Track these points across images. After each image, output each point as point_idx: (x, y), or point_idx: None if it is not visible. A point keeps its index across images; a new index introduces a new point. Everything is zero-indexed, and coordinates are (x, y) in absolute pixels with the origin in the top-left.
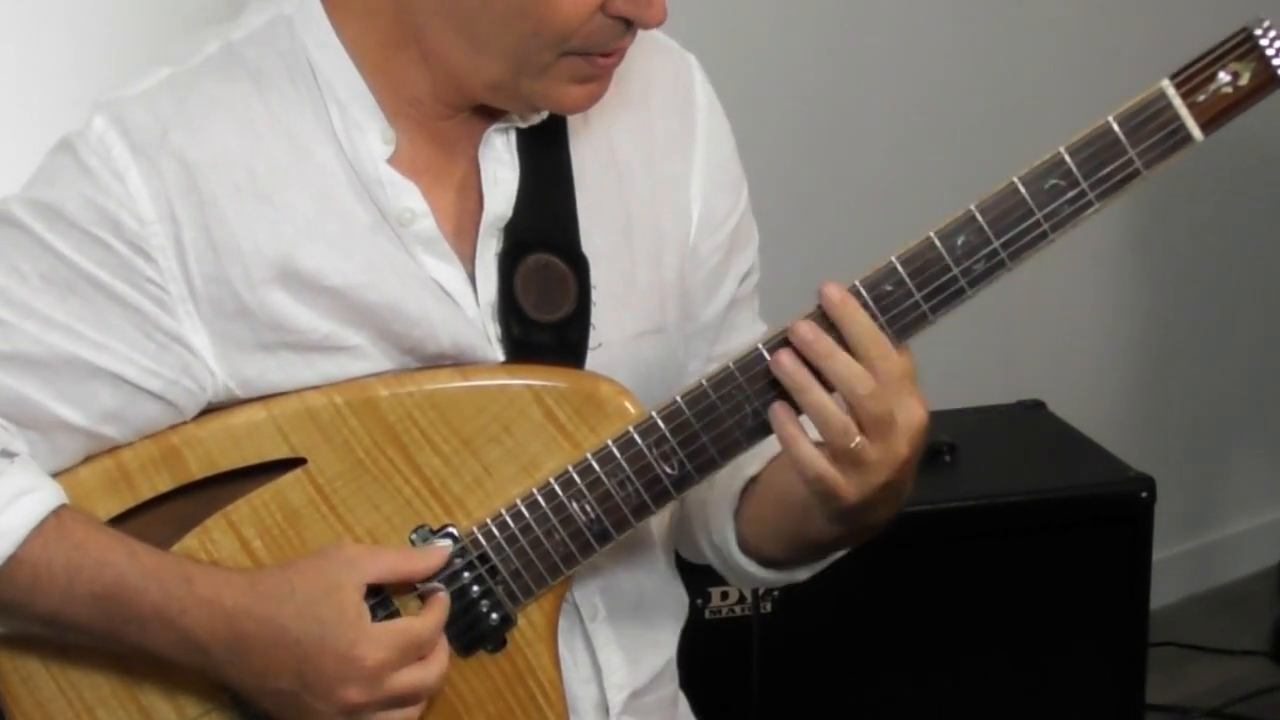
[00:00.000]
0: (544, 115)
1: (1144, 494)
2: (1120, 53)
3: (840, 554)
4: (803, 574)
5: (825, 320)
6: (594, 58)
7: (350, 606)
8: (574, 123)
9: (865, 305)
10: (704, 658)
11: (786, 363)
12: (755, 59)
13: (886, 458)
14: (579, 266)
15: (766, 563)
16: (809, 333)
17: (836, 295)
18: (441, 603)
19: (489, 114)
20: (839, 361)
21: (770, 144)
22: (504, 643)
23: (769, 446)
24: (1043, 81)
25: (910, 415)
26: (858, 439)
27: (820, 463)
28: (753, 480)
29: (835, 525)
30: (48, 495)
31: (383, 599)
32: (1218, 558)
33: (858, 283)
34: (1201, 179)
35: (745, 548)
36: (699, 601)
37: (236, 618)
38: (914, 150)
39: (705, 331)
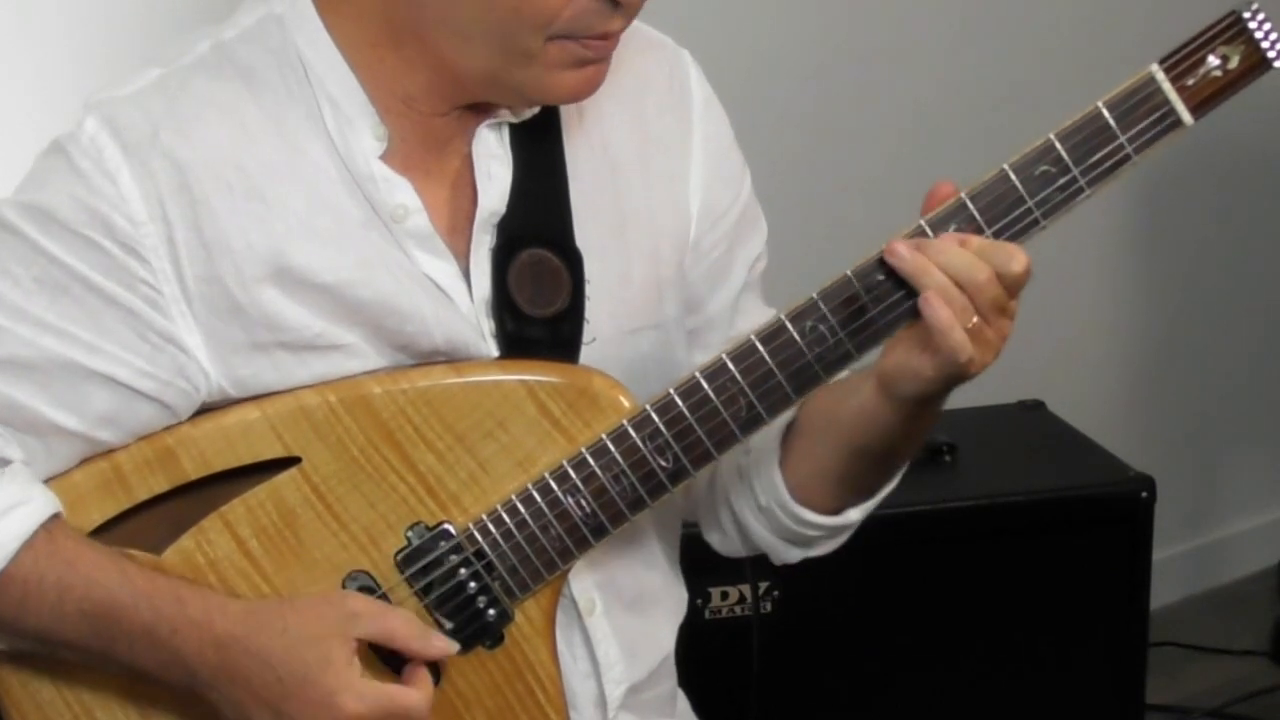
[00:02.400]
0: (536, 110)
1: (1144, 494)
2: (1116, 40)
3: (889, 488)
4: (855, 514)
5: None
6: (584, 40)
7: (339, 655)
8: (568, 118)
9: (858, 296)
10: (704, 657)
11: (903, 251)
12: (753, 55)
13: (999, 336)
14: (573, 261)
15: (820, 509)
16: (914, 240)
17: (907, 250)
18: (426, 680)
19: (482, 109)
20: (951, 256)
21: (768, 138)
22: (501, 638)
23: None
24: (1040, 71)
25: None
26: (975, 318)
27: (969, 345)
28: (790, 426)
29: (915, 420)
30: (38, 507)
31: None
32: (1218, 558)
33: (850, 273)
34: (1202, 180)
35: (797, 496)
36: (699, 601)
37: (225, 645)
38: (911, 141)
39: (715, 323)
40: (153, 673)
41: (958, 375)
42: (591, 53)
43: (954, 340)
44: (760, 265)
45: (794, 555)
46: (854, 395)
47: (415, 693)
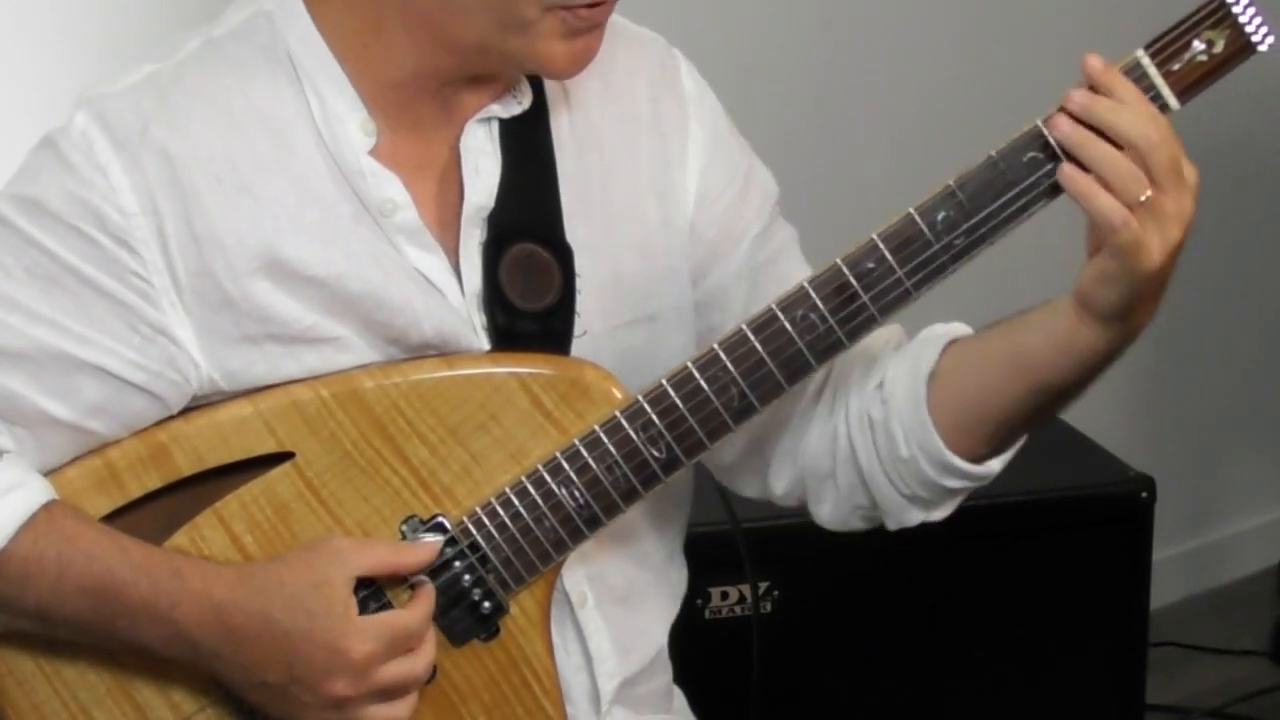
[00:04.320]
0: (526, 105)
1: (1144, 494)
2: (1113, 36)
3: (1022, 441)
4: (996, 465)
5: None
6: (578, 9)
7: (338, 600)
8: (557, 113)
9: (848, 284)
10: (704, 657)
11: (1065, 125)
12: (750, 54)
13: (1180, 209)
14: (563, 255)
15: (966, 457)
16: (1084, 97)
17: (1100, 64)
18: (428, 594)
19: (473, 91)
20: (1125, 114)
21: (764, 134)
22: (496, 631)
23: (935, 339)
24: (1036, 65)
25: (1191, 170)
26: (1148, 190)
27: (1122, 211)
28: (933, 375)
29: (1105, 335)
30: (37, 490)
31: (374, 591)
32: (1218, 558)
33: (840, 261)
34: (1201, 179)
35: (949, 442)
36: (699, 601)
37: (226, 611)
38: (905, 134)
39: (737, 282)
40: (154, 647)
41: (1133, 253)
42: (583, 22)
43: (1100, 204)
44: (778, 239)
45: (914, 518)
46: (1043, 330)
47: (408, 613)
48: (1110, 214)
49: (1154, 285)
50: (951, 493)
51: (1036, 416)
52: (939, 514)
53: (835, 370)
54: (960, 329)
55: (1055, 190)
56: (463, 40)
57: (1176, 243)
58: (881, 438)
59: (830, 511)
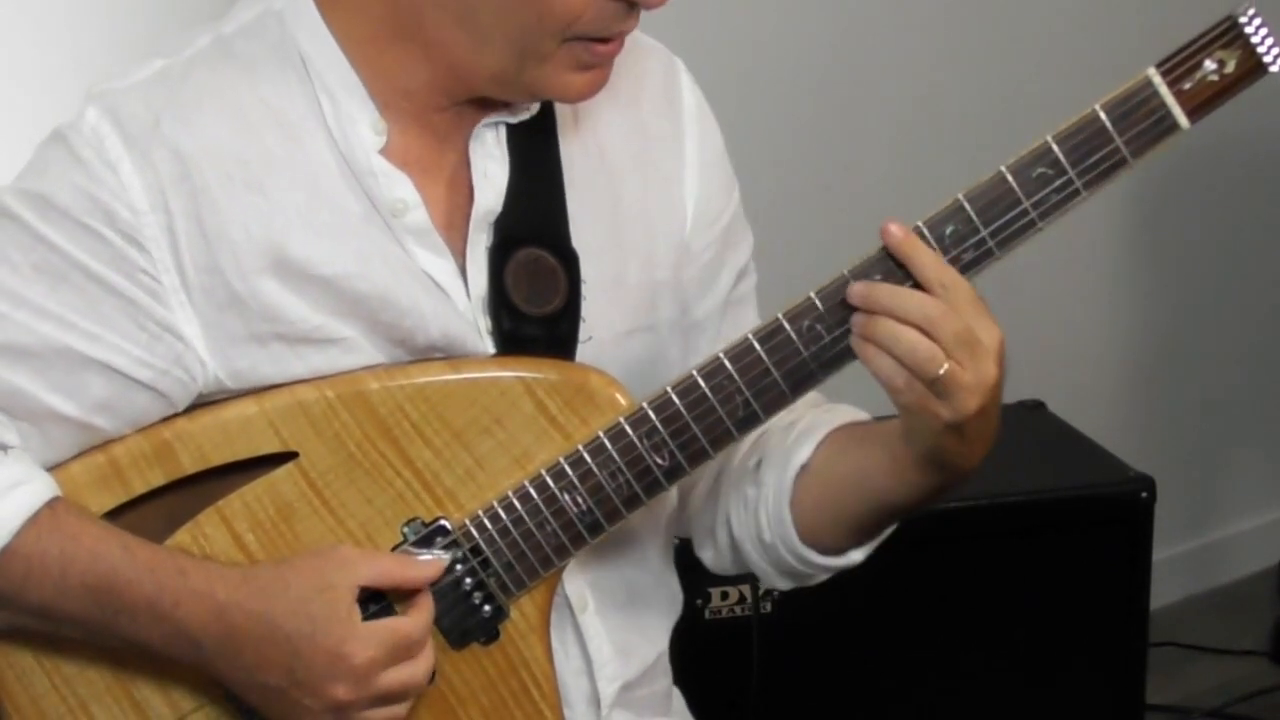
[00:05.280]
0: (534, 110)
1: (1144, 494)
2: (1116, 43)
3: (890, 531)
4: (858, 555)
5: (885, 263)
6: (594, 45)
7: (341, 605)
8: (564, 120)
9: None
10: (704, 658)
11: (857, 320)
12: (752, 56)
13: (978, 379)
14: (568, 261)
15: (824, 550)
16: (862, 288)
17: (900, 233)
18: (427, 602)
19: (481, 107)
20: (903, 297)
21: (768, 139)
22: (496, 634)
23: (817, 429)
24: (1039, 74)
25: (991, 334)
26: (945, 365)
27: (902, 373)
28: (804, 468)
29: (929, 475)
30: (41, 487)
31: (374, 595)
32: (1218, 558)
33: (847, 273)
34: (1201, 179)
35: (805, 539)
36: (699, 601)
37: (229, 611)
38: (910, 143)
39: (703, 328)
40: (156, 646)
41: (920, 413)
42: (597, 58)
43: (879, 365)
44: (749, 280)
45: (786, 584)
46: (882, 459)
47: (409, 620)
48: (890, 376)
49: (959, 438)
50: (819, 570)
51: (889, 524)
52: (812, 583)
53: None
54: (845, 417)
55: (1065, 206)
56: (481, 71)
57: (972, 411)
58: (750, 517)
59: (712, 558)
